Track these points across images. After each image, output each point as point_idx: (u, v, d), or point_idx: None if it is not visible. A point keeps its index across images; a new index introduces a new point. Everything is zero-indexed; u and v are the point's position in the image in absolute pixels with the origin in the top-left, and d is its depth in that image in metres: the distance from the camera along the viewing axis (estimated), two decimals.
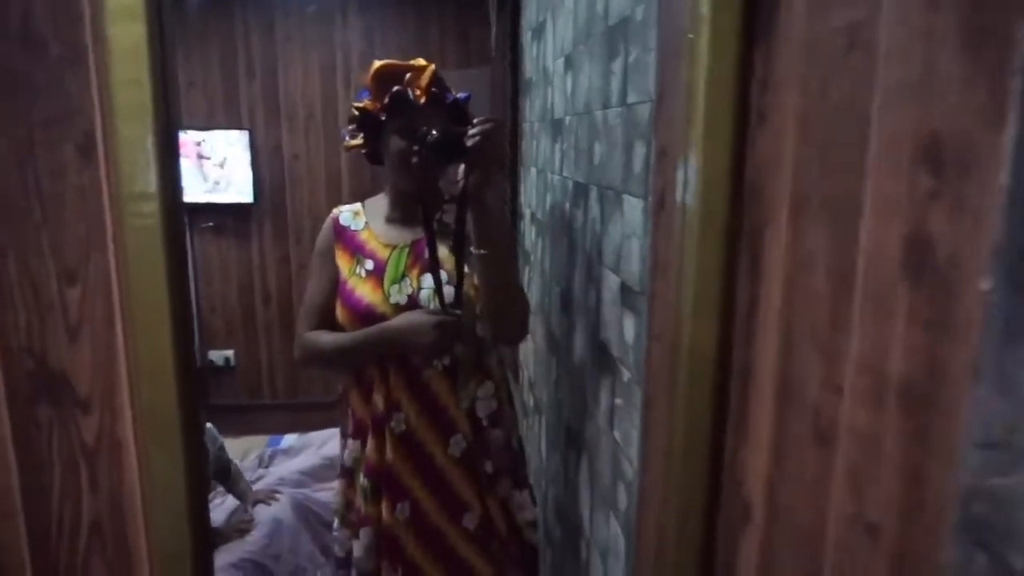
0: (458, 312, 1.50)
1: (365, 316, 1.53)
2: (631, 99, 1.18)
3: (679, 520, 0.87)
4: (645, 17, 1.09)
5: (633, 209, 1.17)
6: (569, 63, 1.77)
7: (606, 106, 1.37)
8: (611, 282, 1.32)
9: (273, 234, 4.70)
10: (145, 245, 0.66)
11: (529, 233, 2.58)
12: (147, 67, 0.65)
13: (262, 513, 2.47)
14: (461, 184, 1.40)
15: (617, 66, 1.27)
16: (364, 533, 1.62)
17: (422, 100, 1.52)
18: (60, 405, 0.72)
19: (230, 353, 4.83)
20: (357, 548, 1.64)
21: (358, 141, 1.63)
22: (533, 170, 2.47)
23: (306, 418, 3.97)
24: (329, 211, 1.74)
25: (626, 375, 1.22)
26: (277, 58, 4.52)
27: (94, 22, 0.66)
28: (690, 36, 0.72)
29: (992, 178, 0.41)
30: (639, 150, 1.13)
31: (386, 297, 1.54)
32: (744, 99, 0.73)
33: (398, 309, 1.53)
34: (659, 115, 1.01)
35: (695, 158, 0.75)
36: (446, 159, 1.42)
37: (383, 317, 1.52)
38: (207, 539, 0.74)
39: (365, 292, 1.56)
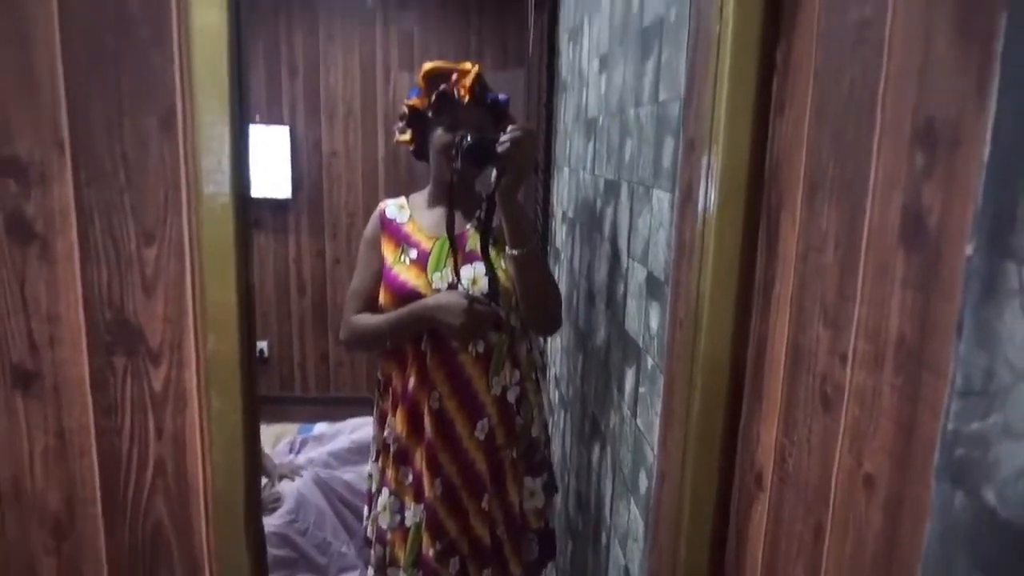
0: (493, 304, 1.59)
1: (408, 298, 1.62)
2: (662, 96, 1.24)
3: (695, 492, 0.92)
4: (678, 18, 1.15)
5: (661, 203, 1.22)
6: (604, 63, 1.84)
7: (638, 104, 1.42)
8: (638, 274, 1.38)
9: (310, 228, 4.82)
10: (218, 211, 0.73)
11: (560, 232, 2.64)
12: (225, 49, 0.73)
13: (287, 489, 2.56)
14: (492, 187, 1.50)
15: (650, 65, 1.33)
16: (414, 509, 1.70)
17: (466, 99, 1.61)
18: (134, 354, 0.80)
19: (263, 344, 4.95)
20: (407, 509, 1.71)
21: (407, 136, 1.73)
22: (566, 170, 2.53)
23: (336, 412, 4.06)
24: (365, 206, 1.85)
25: (650, 362, 1.28)
26: (320, 57, 4.64)
27: (179, 7, 0.74)
28: (716, 31, 0.78)
29: (976, 154, 0.46)
30: (669, 145, 1.19)
31: (429, 282, 1.63)
32: (766, 91, 0.79)
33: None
34: (688, 109, 1.06)
35: (719, 147, 0.81)
36: (479, 163, 1.52)
37: None
38: (258, 479, 0.82)
39: (410, 277, 1.64)
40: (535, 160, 2.92)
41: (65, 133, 0.76)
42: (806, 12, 0.71)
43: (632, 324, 1.41)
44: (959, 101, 0.47)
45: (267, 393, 4.92)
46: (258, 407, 0.81)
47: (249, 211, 0.79)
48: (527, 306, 1.63)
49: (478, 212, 1.69)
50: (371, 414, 1.90)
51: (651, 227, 1.29)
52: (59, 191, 0.77)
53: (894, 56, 0.55)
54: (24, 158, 0.77)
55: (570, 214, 2.38)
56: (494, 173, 1.52)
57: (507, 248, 1.56)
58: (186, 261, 0.78)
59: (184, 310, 0.79)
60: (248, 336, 0.79)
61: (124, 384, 0.80)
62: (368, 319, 1.69)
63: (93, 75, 0.75)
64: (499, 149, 1.46)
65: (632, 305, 1.42)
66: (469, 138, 1.52)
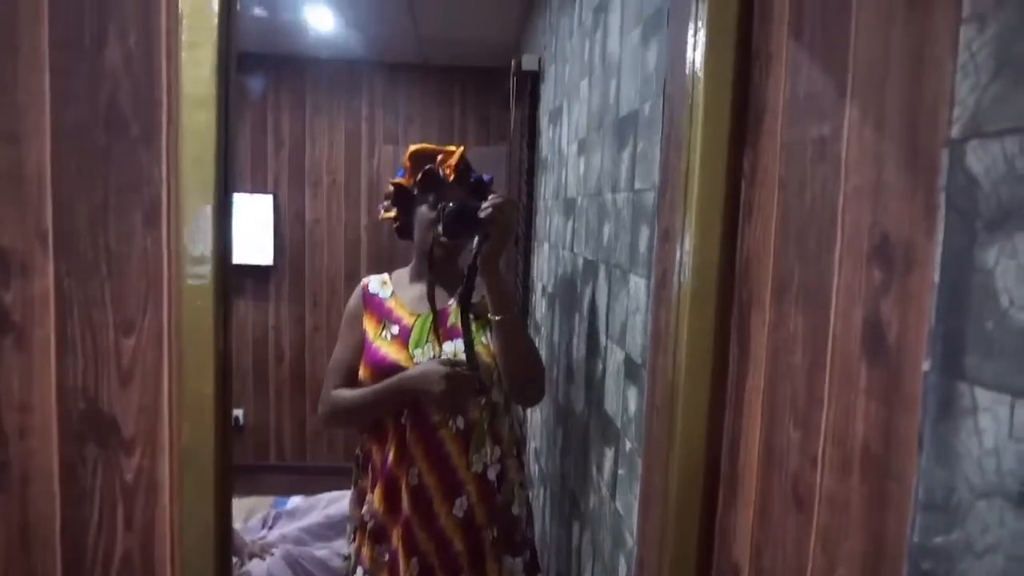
0: (473, 370, 1.58)
1: (389, 372, 1.61)
2: (638, 185, 1.28)
3: None
4: (652, 112, 1.20)
5: (638, 287, 1.25)
6: (582, 147, 1.89)
7: (615, 190, 1.47)
8: (616, 356, 1.39)
9: (290, 296, 4.81)
10: (198, 302, 0.74)
11: (540, 306, 2.66)
12: (212, 149, 0.75)
13: (257, 569, 2.49)
14: (473, 253, 1.52)
15: (626, 155, 1.38)
16: None
17: (450, 177, 1.66)
18: (106, 445, 0.79)
19: (239, 412, 4.87)
20: None
21: (392, 214, 1.77)
22: (546, 245, 2.57)
23: (312, 482, 3.98)
24: (347, 275, 1.86)
25: (628, 445, 1.28)
26: (305, 130, 4.74)
27: (170, 108, 0.77)
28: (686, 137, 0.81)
29: (929, 275, 0.48)
30: (644, 233, 1.22)
31: (410, 357, 1.63)
32: (735, 192, 0.82)
33: None
34: (662, 200, 1.10)
35: (691, 241, 0.84)
36: (462, 228, 1.56)
37: None
38: (229, 570, 0.80)
39: (391, 351, 1.65)
40: (516, 229, 2.98)
41: (49, 225, 0.77)
42: (769, 124, 0.75)
43: (610, 405, 1.42)
44: (910, 224, 0.50)
45: (241, 462, 4.81)
46: (231, 497, 0.80)
47: (230, 300, 0.80)
48: (510, 376, 1.62)
49: (460, 287, 1.71)
50: (347, 485, 1.87)
51: (628, 310, 1.31)
52: (39, 282, 0.78)
53: (851, 174, 0.58)
54: (6, 248, 0.77)
55: (550, 288, 2.41)
56: (475, 241, 1.54)
57: (489, 315, 1.57)
58: (164, 351, 0.79)
59: (160, 400, 0.79)
60: (224, 426, 0.79)
61: (95, 475, 0.79)
62: (349, 394, 1.68)
63: (81, 170, 0.77)
64: (481, 215, 1.50)
65: (610, 386, 1.43)
66: (452, 205, 1.56)
